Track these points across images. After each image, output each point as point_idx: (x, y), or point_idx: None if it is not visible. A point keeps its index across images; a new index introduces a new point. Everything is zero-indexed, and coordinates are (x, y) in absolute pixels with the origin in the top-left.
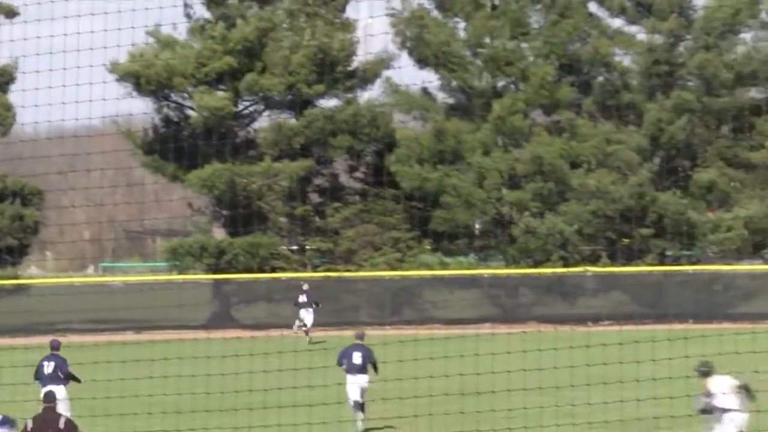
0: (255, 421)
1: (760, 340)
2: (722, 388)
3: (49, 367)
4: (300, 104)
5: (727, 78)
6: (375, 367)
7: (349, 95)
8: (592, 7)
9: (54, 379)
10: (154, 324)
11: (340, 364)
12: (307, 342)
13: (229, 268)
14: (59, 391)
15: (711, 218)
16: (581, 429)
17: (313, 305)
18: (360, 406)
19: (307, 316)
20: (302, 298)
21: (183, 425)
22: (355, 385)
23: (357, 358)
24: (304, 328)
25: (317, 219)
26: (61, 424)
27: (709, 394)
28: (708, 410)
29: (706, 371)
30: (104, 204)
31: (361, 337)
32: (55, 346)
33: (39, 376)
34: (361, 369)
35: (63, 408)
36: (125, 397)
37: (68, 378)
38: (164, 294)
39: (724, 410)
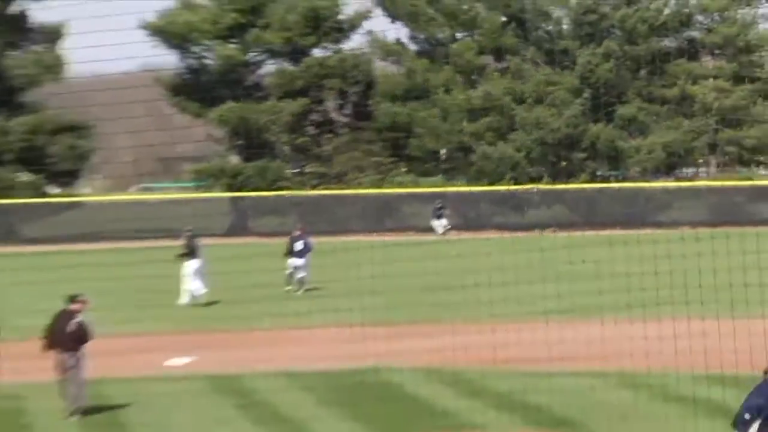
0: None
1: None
2: None
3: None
4: (298, 54)
5: (643, 29)
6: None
7: (337, 45)
8: None
9: (201, 275)
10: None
11: (288, 251)
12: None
13: (244, 187)
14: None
15: (633, 144)
16: (533, 315)
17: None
18: (300, 279)
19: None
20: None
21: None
22: (294, 262)
23: (299, 245)
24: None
25: (314, 147)
26: (73, 324)
27: None
28: None
29: None
30: (142, 134)
31: (301, 230)
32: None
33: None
34: (300, 254)
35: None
36: (163, 292)
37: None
38: (192, 208)
39: None
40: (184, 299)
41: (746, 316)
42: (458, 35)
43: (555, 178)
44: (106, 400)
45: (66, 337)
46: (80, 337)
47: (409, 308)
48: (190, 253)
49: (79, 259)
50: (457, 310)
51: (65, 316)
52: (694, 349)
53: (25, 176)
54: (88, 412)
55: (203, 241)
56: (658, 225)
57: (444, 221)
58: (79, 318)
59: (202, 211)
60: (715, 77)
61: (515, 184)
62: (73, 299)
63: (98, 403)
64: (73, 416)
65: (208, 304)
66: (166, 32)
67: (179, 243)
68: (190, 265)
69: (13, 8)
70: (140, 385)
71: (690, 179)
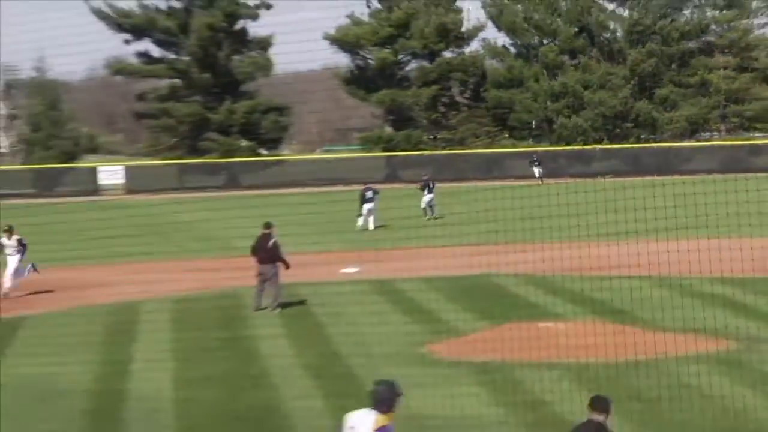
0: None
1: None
2: None
3: (369, 192)
4: (432, 55)
5: (675, 35)
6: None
7: (460, 49)
8: None
9: (373, 212)
10: (357, 181)
11: (422, 188)
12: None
13: (395, 148)
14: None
15: (666, 116)
16: (597, 237)
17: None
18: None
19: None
20: (534, 160)
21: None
22: (366, 207)
23: (369, 194)
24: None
25: (444, 120)
26: (270, 243)
27: None
28: None
29: None
30: (324, 112)
31: (370, 188)
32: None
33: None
34: (431, 190)
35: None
36: (340, 222)
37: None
38: (359, 164)
39: None
40: (359, 225)
41: (749, 235)
42: (544, 41)
43: (611, 140)
44: (297, 297)
45: (265, 253)
46: (275, 253)
47: (510, 232)
48: (369, 198)
49: (281, 200)
50: (544, 233)
51: (264, 237)
52: (711, 259)
53: (244, 142)
54: (284, 306)
55: (377, 187)
56: (683, 173)
57: (539, 169)
58: (273, 238)
59: (367, 166)
60: (724, 68)
61: (583, 145)
62: (267, 226)
63: (291, 300)
64: (274, 310)
65: (375, 229)
66: (340, 41)
67: (358, 189)
68: (366, 206)
69: (237, 25)
70: (322, 287)
71: (706, 140)
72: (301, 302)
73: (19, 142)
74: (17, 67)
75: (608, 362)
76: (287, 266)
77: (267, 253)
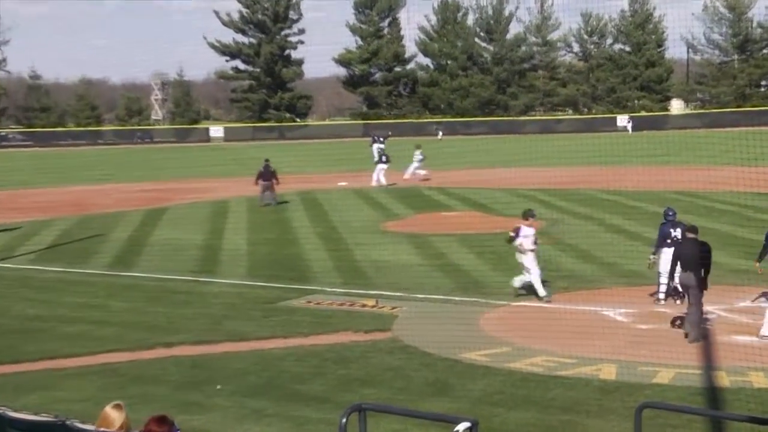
0: None
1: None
2: None
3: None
4: (389, 69)
5: (516, 59)
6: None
7: (404, 67)
8: None
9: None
10: (348, 136)
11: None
12: None
13: (368, 118)
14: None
15: (512, 103)
16: (472, 164)
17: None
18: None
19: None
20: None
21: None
22: (376, 147)
23: (381, 139)
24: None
25: (395, 104)
26: (271, 170)
27: None
28: None
29: None
30: (329, 99)
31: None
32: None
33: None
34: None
35: None
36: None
37: None
38: (349, 127)
39: None
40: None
41: (559, 166)
42: (449, 62)
43: (484, 116)
44: (312, 197)
45: (268, 174)
46: (273, 175)
47: (426, 162)
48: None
49: (307, 146)
50: (446, 164)
51: (266, 167)
52: (538, 176)
53: (288, 114)
54: (281, 203)
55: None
56: (520, 133)
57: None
58: (272, 168)
59: (353, 128)
60: (542, 78)
61: (470, 117)
62: (266, 160)
63: (308, 197)
64: (274, 204)
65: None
66: (340, 60)
67: (350, 140)
68: (376, 146)
69: (286, 52)
70: (327, 192)
71: (533, 116)
72: (315, 199)
73: (167, 113)
74: (167, 73)
75: (479, 233)
76: (278, 183)
77: (268, 175)
